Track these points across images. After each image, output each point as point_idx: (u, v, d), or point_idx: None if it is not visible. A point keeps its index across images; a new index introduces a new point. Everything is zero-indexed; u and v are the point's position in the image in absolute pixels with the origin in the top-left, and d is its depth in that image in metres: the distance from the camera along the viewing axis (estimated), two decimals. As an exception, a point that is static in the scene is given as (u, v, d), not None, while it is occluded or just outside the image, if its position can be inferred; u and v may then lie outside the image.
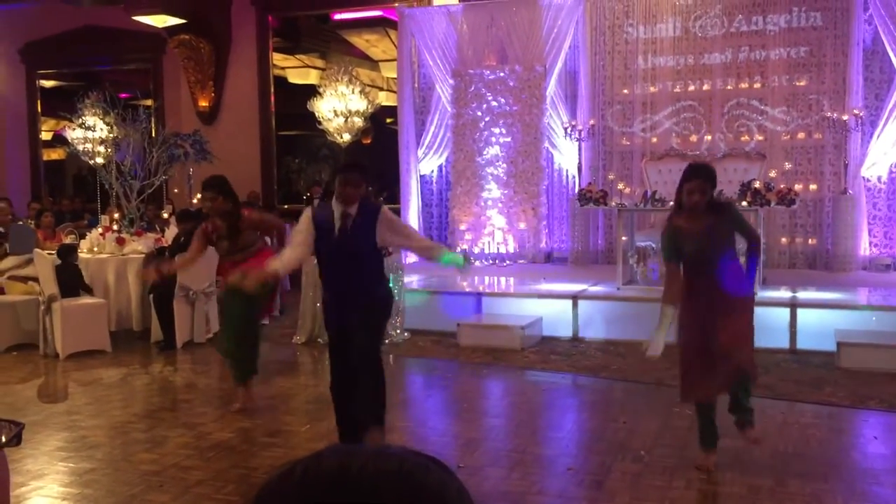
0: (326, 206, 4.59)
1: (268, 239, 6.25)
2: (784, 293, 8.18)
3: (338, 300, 4.57)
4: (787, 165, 9.88)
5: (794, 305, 7.65)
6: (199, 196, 12.01)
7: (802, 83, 10.01)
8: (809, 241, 9.99)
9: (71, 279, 8.08)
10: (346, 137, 11.95)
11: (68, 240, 9.66)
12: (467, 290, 9.05)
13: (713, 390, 4.51)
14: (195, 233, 6.11)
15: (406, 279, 8.64)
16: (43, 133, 15.82)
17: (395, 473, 0.71)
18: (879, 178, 9.86)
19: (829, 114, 9.75)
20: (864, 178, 9.79)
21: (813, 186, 9.92)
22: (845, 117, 9.55)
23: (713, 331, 4.40)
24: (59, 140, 14.06)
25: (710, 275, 4.40)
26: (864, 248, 9.75)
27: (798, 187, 9.39)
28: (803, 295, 8.12)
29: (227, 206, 5.76)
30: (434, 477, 0.72)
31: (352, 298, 4.51)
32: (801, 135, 10.04)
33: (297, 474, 0.72)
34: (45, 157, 15.96)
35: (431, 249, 4.90)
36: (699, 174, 4.41)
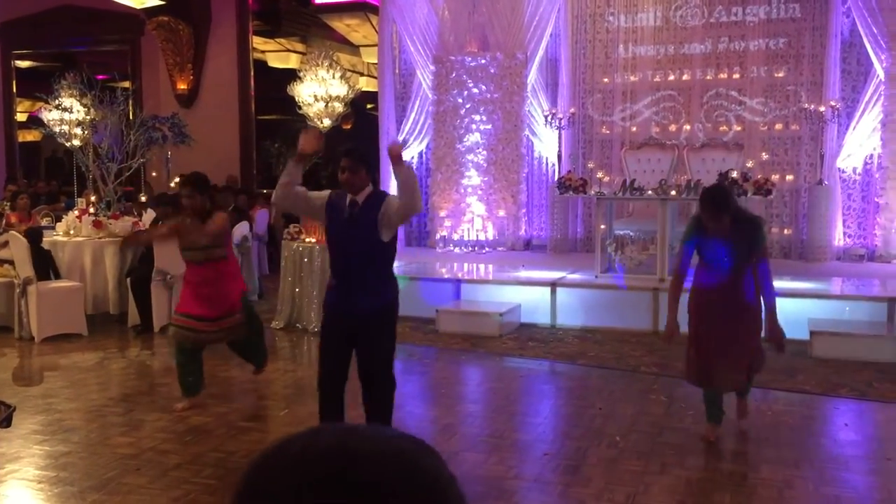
0: (343, 193, 4.42)
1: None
2: (759, 282, 8.26)
3: (341, 289, 4.37)
4: (765, 156, 9.97)
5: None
6: (176, 180, 11.95)
7: (781, 74, 10.09)
8: (785, 231, 10.10)
9: (41, 263, 8.01)
10: (327, 123, 11.89)
11: (44, 222, 9.58)
12: (446, 276, 9.08)
13: (719, 382, 4.82)
14: (171, 223, 5.98)
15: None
16: (18, 114, 15.62)
17: (392, 454, 0.72)
18: (854, 170, 9.98)
19: (806, 105, 9.85)
20: (839, 169, 9.91)
21: (789, 177, 10.02)
22: (822, 109, 9.64)
23: (724, 326, 4.72)
24: (34, 121, 13.88)
25: (726, 276, 4.74)
26: (839, 238, 9.87)
27: (775, 178, 9.48)
28: (778, 284, 8.09)
29: (206, 205, 5.59)
30: (429, 461, 0.74)
31: (352, 296, 4.33)
32: (778, 126, 10.13)
33: (295, 450, 0.72)
34: (20, 139, 15.77)
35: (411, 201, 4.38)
36: (710, 206, 4.65)
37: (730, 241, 4.69)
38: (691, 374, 4.90)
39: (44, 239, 8.43)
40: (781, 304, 7.60)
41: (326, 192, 4.52)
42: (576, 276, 8.78)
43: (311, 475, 0.70)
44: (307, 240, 8.35)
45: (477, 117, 10.91)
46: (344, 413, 4.56)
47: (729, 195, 4.88)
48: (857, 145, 9.84)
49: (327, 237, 4.53)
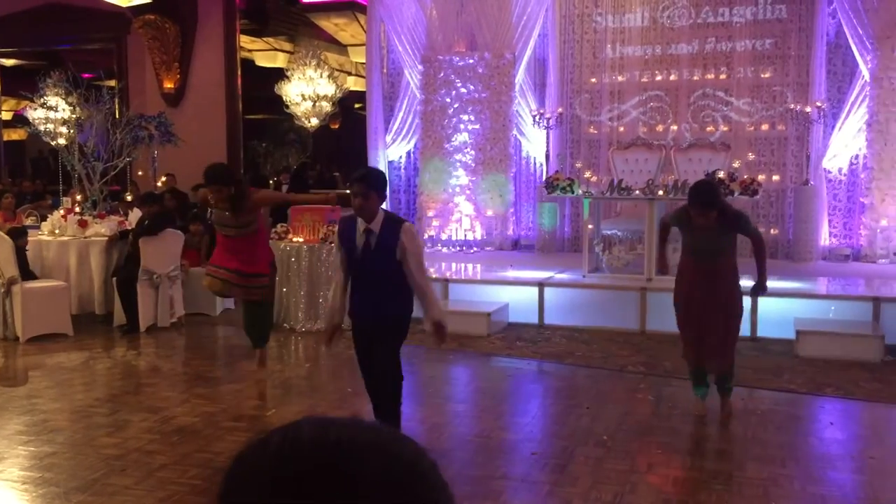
0: (350, 220, 4.51)
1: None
2: (745, 281, 8.28)
3: (365, 299, 4.53)
4: (751, 156, 10.01)
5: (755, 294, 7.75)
6: (163, 179, 11.90)
7: (767, 75, 10.14)
8: (771, 230, 10.15)
9: (21, 263, 7.95)
10: (314, 122, 11.88)
11: (29, 221, 9.51)
12: (434, 276, 9.06)
13: (701, 361, 5.21)
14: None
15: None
16: (3, 113, 15.51)
17: (372, 444, 0.72)
18: (840, 170, 10.04)
19: (792, 106, 9.90)
20: (825, 169, 9.97)
21: (776, 177, 10.07)
22: (808, 109, 9.70)
23: (708, 313, 5.05)
24: (19, 120, 13.79)
25: (712, 263, 5.04)
26: (825, 238, 9.93)
27: (761, 178, 9.50)
28: (764, 284, 8.23)
29: (230, 194, 5.89)
30: (409, 449, 0.74)
31: (374, 302, 4.51)
32: (764, 126, 10.18)
33: (275, 442, 0.72)
34: (5, 138, 15.66)
35: (423, 297, 4.58)
36: (697, 203, 4.86)
37: (715, 232, 4.93)
38: (687, 353, 5.30)
39: (28, 238, 8.36)
40: (767, 303, 7.70)
41: (336, 231, 4.72)
42: (563, 276, 8.79)
43: (290, 467, 0.70)
44: (294, 239, 8.32)
45: (465, 117, 10.91)
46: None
47: (716, 191, 5.13)
48: (843, 146, 9.90)
49: (344, 259, 4.60)
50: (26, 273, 8.03)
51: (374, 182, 4.48)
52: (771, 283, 8.23)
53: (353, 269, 4.56)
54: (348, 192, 4.75)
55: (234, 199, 5.88)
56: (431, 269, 9.45)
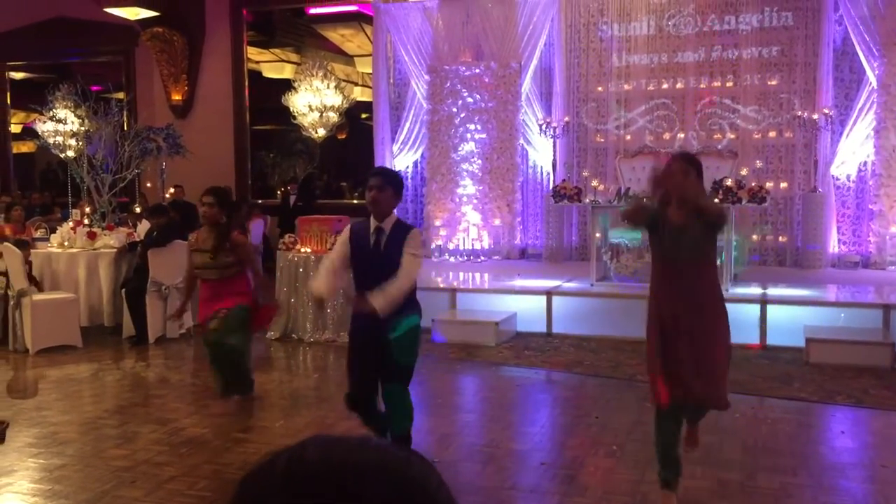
0: (365, 222, 4.47)
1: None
2: (754, 290, 8.29)
3: (365, 317, 4.30)
4: (759, 164, 9.99)
5: (764, 302, 7.74)
6: (171, 190, 11.94)
7: (774, 82, 10.13)
8: (780, 238, 10.13)
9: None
10: (321, 132, 11.91)
11: (38, 234, 9.55)
12: (442, 286, 9.07)
13: (680, 397, 3.99)
14: (188, 250, 6.00)
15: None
16: (12, 126, 15.60)
17: (378, 465, 0.72)
18: (848, 177, 10.02)
19: (799, 113, 9.88)
20: (833, 176, 9.94)
21: (783, 184, 10.05)
22: (815, 116, 9.68)
23: (686, 337, 3.97)
24: (28, 133, 13.86)
25: (683, 271, 4.01)
26: (833, 245, 9.89)
27: (769, 185, 9.50)
28: (773, 292, 8.23)
29: (221, 219, 5.68)
30: (416, 470, 0.73)
31: (378, 319, 4.27)
32: (772, 133, 10.16)
33: (281, 464, 0.72)
34: (14, 151, 15.74)
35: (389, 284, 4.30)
36: (678, 156, 4.14)
37: (696, 232, 3.95)
38: (660, 393, 4.00)
39: (34, 250, 8.41)
40: (777, 311, 7.68)
41: (346, 228, 4.65)
42: (571, 285, 8.77)
43: (297, 490, 0.70)
44: (302, 250, 8.34)
45: (472, 126, 10.93)
46: (380, 420, 4.59)
47: (696, 160, 4.10)
48: (851, 152, 9.88)
49: (353, 263, 4.50)
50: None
51: (392, 178, 4.46)
52: (780, 291, 8.26)
53: (358, 269, 4.48)
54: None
55: (221, 229, 5.65)
56: (439, 279, 9.47)
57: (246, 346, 5.83)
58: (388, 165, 11.43)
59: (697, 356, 3.96)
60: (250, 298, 5.78)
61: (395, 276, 4.26)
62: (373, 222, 4.39)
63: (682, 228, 3.96)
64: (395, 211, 4.52)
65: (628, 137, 10.64)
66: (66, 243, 8.82)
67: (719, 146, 10.20)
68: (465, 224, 10.99)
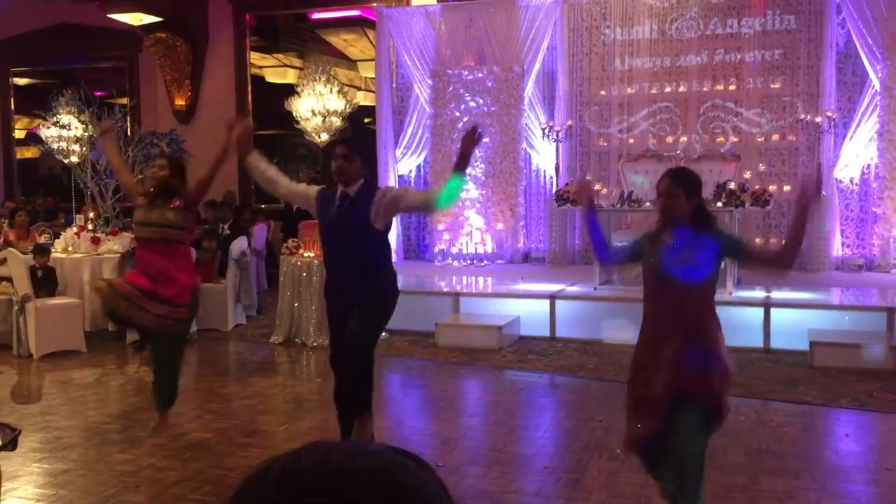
0: (333, 188, 4.39)
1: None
2: (758, 293, 8.28)
3: (333, 284, 4.40)
4: (762, 167, 9.99)
5: (767, 305, 7.74)
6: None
7: (777, 85, 10.13)
8: (783, 241, 10.10)
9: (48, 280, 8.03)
10: (324, 137, 11.92)
11: (42, 239, 9.57)
12: (445, 290, 9.07)
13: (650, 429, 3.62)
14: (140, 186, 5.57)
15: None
16: (16, 131, 15.64)
17: (374, 472, 0.71)
18: (852, 180, 10.00)
19: (802, 116, 9.87)
20: (836, 179, 9.93)
21: (787, 188, 10.03)
22: (818, 119, 9.67)
23: (672, 376, 3.51)
24: (32, 138, 13.90)
25: (673, 303, 3.56)
26: (837, 248, 9.88)
27: (772, 188, 9.50)
28: (777, 295, 8.22)
29: (172, 182, 5.17)
30: (412, 475, 0.73)
31: (347, 286, 4.29)
32: (775, 136, 10.16)
33: (276, 472, 0.72)
34: (18, 156, 15.78)
35: (428, 201, 4.43)
36: (668, 173, 3.71)
37: (682, 246, 3.55)
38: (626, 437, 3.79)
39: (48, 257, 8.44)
40: (780, 314, 7.67)
41: (316, 188, 4.54)
42: (575, 289, 8.77)
43: (293, 498, 0.69)
44: (305, 255, 8.35)
45: (474, 131, 10.92)
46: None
47: (696, 179, 3.67)
48: (854, 155, 9.87)
49: (320, 231, 4.48)
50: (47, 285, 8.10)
51: (359, 146, 4.37)
52: (784, 294, 8.25)
53: (324, 235, 4.41)
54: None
55: (168, 190, 5.14)
56: (442, 283, 9.47)
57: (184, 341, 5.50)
58: (390, 170, 11.45)
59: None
60: (193, 274, 5.36)
61: (418, 198, 4.42)
62: (340, 189, 4.31)
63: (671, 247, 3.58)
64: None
65: (631, 141, 10.64)
66: (69, 248, 8.84)
67: (722, 149, 10.20)
68: (468, 228, 10.99)
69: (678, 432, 3.46)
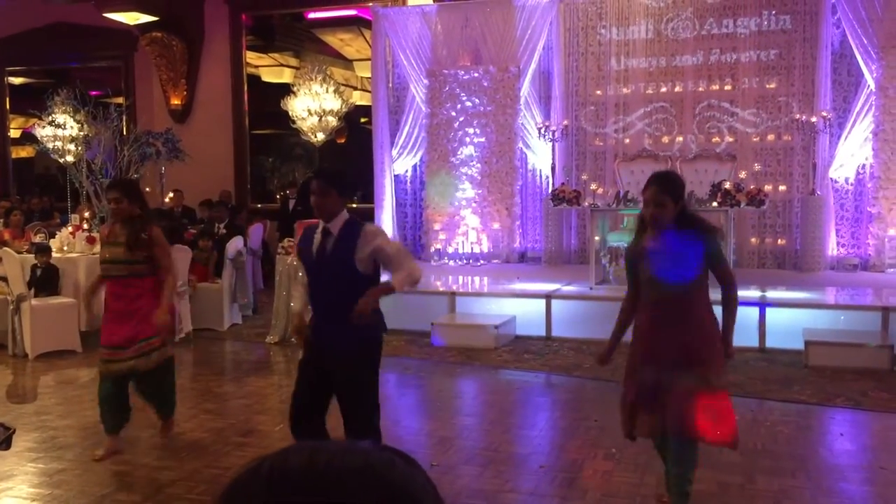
0: (313, 226, 4.09)
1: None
2: (753, 292, 8.29)
3: (317, 326, 3.99)
4: (757, 167, 10.01)
5: (763, 305, 7.75)
6: (170, 195, 11.95)
7: (772, 86, 10.15)
8: (778, 241, 10.13)
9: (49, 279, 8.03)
10: (320, 137, 11.91)
11: (37, 239, 9.55)
12: (441, 289, 9.07)
13: (658, 428, 3.81)
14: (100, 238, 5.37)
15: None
16: (11, 131, 15.61)
17: (361, 470, 0.71)
18: (847, 180, 10.03)
19: (798, 116, 9.89)
20: (831, 179, 9.95)
21: (782, 187, 10.06)
22: (814, 119, 9.69)
23: (669, 375, 3.72)
24: (27, 138, 13.88)
25: (668, 304, 3.72)
26: (832, 248, 9.90)
27: (767, 188, 9.52)
28: (772, 294, 8.24)
29: (135, 211, 4.99)
30: (399, 472, 0.73)
31: (331, 326, 3.91)
32: (770, 136, 10.17)
33: (264, 472, 0.72)
34: (13, 156, 15.75)
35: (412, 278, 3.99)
36: (654, 181, 3.75)
37: (671, 249, 3.71)
38: (624, 425, 4.05)
39: (30, 254, 8.43)
40: (775, 314, 7.68)
41: (300, 232, 4.23)
42: (571, 288, 8.78)
43: (279, 496, 0.70)
44: (301, 254, 8.33)
45: (470, 130, 10.94)
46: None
47: (681, 183, 3.86)
48: (849, 155, 9.89)
49: (304, 270, 4.13)
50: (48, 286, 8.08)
51: (333, 179, 4.04)
52: (779, 294, 8.26)
53: (309, 281, 4.04)
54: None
55: (134, 223, 4.95)
56: (438, 283, 9.47)
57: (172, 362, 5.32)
58: (386, 169, 11.45)
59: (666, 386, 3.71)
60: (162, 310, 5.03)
61: (398, 267, 3.89)
62: (320, 225, 4.00)
63: (662, 253, 3.71)
64: (345, 211, 4.02)
65: (627, 141, 10.65)
66: (65, 248, 8.83)
67: (718, 149, 10.21)
68: (464, 228, 11.00)
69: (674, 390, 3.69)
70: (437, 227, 11.06)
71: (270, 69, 14.79)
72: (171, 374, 5.29)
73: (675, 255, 3.68)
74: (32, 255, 8.28)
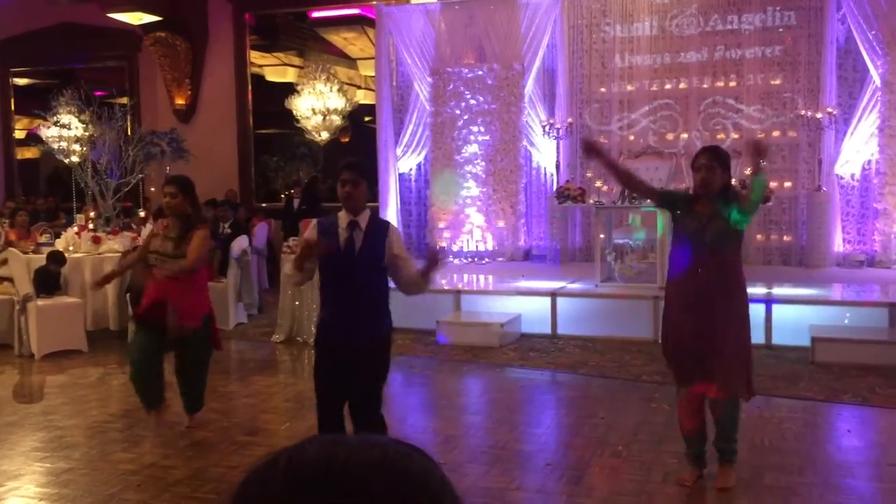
0: (332, 218, 4.04)
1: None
2: (760, 289, 8.26)
3: (339, 317, 3.91)
4: (763, 163, 9.96)
5: (769, 301, 7.73)
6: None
7: (777, 82, 10.12)
8: (784, 237, 10.11)
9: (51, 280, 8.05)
10: (325, 136, 11.92)
11: (43, 239, 9.58)
12: (446, 287, 9.06)
13: (701, 377, 4.23)
14: (147, 235, 5.63)
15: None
16: (16, 132, 15.65)
17: (379, 462, 0.71)
18: (853, 176, 10.00)
19: (803, 112, 9.87)
20: (837, 175, 9.92)
21: (788, 184, 10.03)
22: (819, 115, 9.66)
23: (704, 323, 4.16)
24: (33, 138, 13.91)
25: (706, 263, 4.15)
26: (838, 244, 9.87)
27: (773, 185, 9.49)
28: (778, 291, 8.21)
29: (188, 209, 5.25)
30: (417, 465, 0.73)
31: (355, 320, 3.88)
32: (775, 133, 10.15)
33: (282, 464, 0.72)
34: (18, 156, 15.79)
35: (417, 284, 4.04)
36: (706, 149, 4.37)
37: (713, 217, 4.16)
38: (676, 376, 4.44)
39: (37, 255, 8.45)
40: (782, 310, 7.66)
41: (312, 226, 4.07)
42: (576, 286, 8.77)
43: (298, 488, 0.69)
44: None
45: (475, 128, 10.93)
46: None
47: (728, 155, 4.42)
48: (855, 151, 9.86)
49: (322, 262, 3.97)
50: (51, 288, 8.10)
51: (364, 170, 4.06)
52: (785, 291, 8.24)
53: (328, 274, 3.95)
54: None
55: (187, 221, 5.21)
56: (443, 281, 9.46)
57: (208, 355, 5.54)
58: (391, 168, 11.44)
59: (702, 344, 4.19)
60: (207, 297, 5.45)
61: (407, 279, 3.98)
62: (345, 216, 3.93)
63: (707, 219, 4.17)
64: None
65: (631, 138, 10.64)
66: (70, 248, 8.84)
67: (723, 146, 10.17)
68: (468, 226, 10.99)
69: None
70: (441, 225, 11.06)
71: (274, 68, 14.80)
72: (208, 356, 5.49)
73: (719, 225, 4.15)
74: (42, 257, 8.30)
